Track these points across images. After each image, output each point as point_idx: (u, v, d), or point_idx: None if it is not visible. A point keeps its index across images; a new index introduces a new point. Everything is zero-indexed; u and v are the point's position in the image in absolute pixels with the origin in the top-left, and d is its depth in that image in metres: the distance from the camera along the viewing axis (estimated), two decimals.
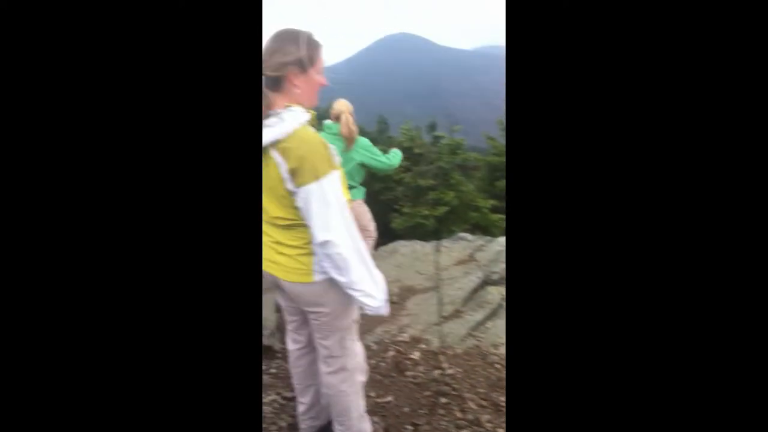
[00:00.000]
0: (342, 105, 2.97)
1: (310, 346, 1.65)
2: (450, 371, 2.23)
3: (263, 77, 1.28)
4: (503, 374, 2.17)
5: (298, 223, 1.33)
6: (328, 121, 2.96)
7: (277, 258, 1.41)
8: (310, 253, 1.36)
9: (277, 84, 1.28)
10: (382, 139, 11.42)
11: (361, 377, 1.68)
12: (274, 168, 1.25)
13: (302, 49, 1.26)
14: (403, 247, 3.78)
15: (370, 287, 1.33)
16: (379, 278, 1.37)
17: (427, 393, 2.10)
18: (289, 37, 1.27)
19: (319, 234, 1.26)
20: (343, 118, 2.91)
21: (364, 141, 3.01)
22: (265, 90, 1.29)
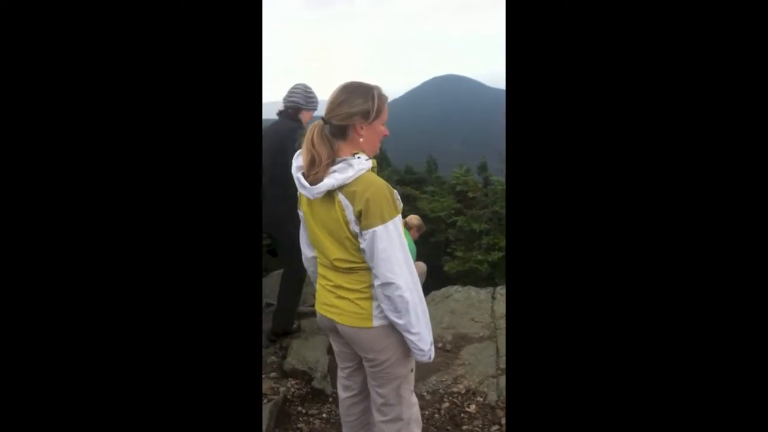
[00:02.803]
0: (415, 221, 3.61)
1: (363, 394, 1.63)
2: None
3: (328, 125, 1.33)
4: None
5: (359, 266, 1.36)
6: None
7: (335, 302, 1.42)
8: (371, 298, 1.37)
9: (343, 132, 1.34)
10: (431, 179, 11.43)
11: (417, 429, 1.63)
12: (341, 210, 1.30)
13: (369, 101, 1.32)
14: (457, 292, 3.69)
15: (426, 332, 1.34)
16: (429, 324, 1.37)
17: None
18: (357, 89, 1.33)
19: (384, 276, 1.28)
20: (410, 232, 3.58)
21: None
22: (330, 137, 1.34)
